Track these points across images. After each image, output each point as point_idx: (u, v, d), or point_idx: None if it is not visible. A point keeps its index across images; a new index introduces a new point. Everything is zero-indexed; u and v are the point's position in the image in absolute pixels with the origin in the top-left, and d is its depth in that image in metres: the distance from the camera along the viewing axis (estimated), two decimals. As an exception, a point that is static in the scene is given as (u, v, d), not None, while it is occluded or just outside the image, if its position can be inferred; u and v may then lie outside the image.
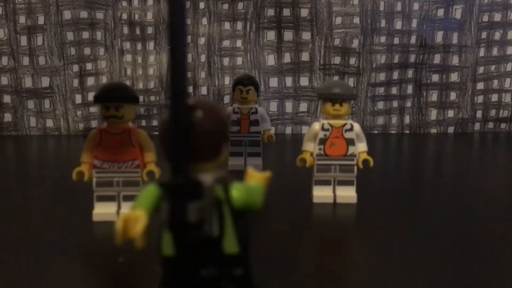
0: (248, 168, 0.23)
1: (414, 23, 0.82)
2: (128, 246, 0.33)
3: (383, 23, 0.82)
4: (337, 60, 0.83)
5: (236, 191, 0.21)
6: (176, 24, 0.19)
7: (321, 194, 0.43)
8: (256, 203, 0.22)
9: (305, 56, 0.83)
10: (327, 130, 0.42)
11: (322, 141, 0.42)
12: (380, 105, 0.85)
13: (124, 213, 0.20)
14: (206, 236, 0.20)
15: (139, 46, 0.81)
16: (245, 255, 0.22)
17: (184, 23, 0.19)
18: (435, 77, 0.85)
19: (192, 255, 0.21)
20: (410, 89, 0.85)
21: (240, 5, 0.81)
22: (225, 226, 0.21)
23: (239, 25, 0.81)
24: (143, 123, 0.83)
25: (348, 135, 0.42)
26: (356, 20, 0.82)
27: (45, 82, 0.81)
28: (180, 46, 0.19)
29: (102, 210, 0.37)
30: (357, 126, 0.42)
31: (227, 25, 0.81)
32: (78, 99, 0.82)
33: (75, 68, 0.81)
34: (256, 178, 0.22)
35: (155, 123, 0.83)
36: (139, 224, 0.19)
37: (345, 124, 0.42)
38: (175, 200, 0.20)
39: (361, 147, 0.42)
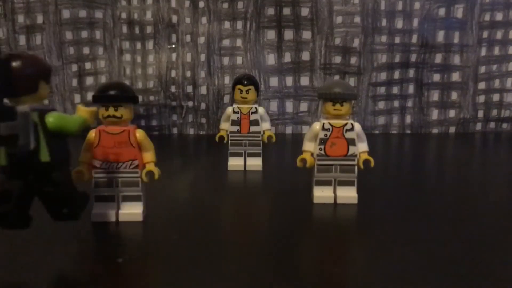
0: (78, 105, 0.31)
1: (415, 23, 0.82)
2: (128, 247, 0.33)
3: (384, 22, 0.82)
4: (337, 59, 0.82)
5: (50, 118, 0.28)
6: None
7: (321, 194, 0.42)
8: (70, 129, 0.29)
9: (305, 56, 0.82)
10: (327, 130, 0.41)
11: (323, 141, 0.41)
12: (381, 104, 0.84)
13: None
14: (22, 148, 0.27)
15: (138, 45, 0.81)
16: (64, 164, 0.30)
17: None
18: (436, 77, 0.84)
19: (17, 164, 0.28)
20: (411, 88, 0.84)
21: (240, 4, 0.81)
22: (40, 141, 0.28)
23: (239, 24, 0.81)
24: (142, 123, 0.83)
25: (349, 135, 0.41)
26: (357, 19, 0.81)
27: (44, 81, 0.81)
28: None
29: (101, 210, 0.37)
30: (358, 126, 0.42)
31: (227, 24, 0.81)
32: (77, 98, 0.82)
33: (74, 67, 0.81)
34: (81, 111, 0.31)
35: (154, 123, 0.83)
36: None
37: (345, 124, 0.41)
38: None
39: (362, 147, 0.42)
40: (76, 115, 0.30)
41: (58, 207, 0.30)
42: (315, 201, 0.42)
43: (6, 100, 0.35)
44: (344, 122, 0.41)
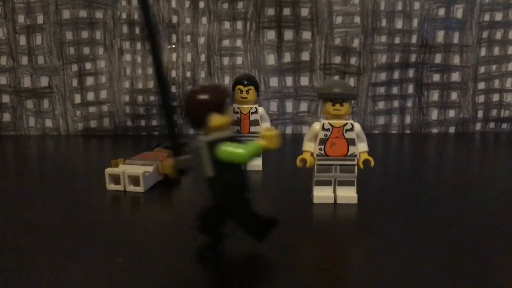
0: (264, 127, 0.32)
1: (415, 23, 0.82)
2: (128, 247, 0.33)
3: (383, 23, 0.82)
4: (337, 59, 0.82)
5: (220, 152, 0.29)
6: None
7: (321, 194, 0.42)
8: (239, 161, 0.30)
9: (305, 56, 0.82)
10: (327, 130, 0.41)
11: (323, 141, 0.41)
12: (381, 105, 0.85)
13: None
14: (203, 176, 0.30)
15: (138, 45, 0.81)
16: (245, 187, 0.31)
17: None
18: (436, 77, 0.84)
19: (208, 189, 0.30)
20: (411, 88, 0.84)
21: (240, 5, 0.81)
22: (216, 169, 0.29)
23: (239, 25, 0.81)
24: (143, 123, 0.83)
25: (348, 135, 0.41)
26: (357, 19, 0.81)
27: (44, 81, 0.81)
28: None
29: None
30: (357, 126, 0.42)
31: (227, 25, 0.81)
32: (77, 98, 0.82)
33: (74, 67, 0.81)
34: (265, 137, 0.30)
35: (154, 123, 0.83)
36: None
37: (345, 124, 0.41)
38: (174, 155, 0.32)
39: (362, 147, 0.42)
40: (251, 145, 0.30)
41: (254, 225, 0.32)
42: (315, 201, 0.42)
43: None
44: (344, 122, 0.41)
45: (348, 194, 0.42)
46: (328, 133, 0.41)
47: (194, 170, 0.30)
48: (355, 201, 0.42)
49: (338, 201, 0.42)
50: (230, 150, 0.29)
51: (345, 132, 0.41)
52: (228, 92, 0.32)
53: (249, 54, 0.82)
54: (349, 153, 0.42)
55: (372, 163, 0.42)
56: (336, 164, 0.42)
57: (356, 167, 0.42)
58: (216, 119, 0.30)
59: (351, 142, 0.41)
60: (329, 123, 0.41)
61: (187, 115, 0.31)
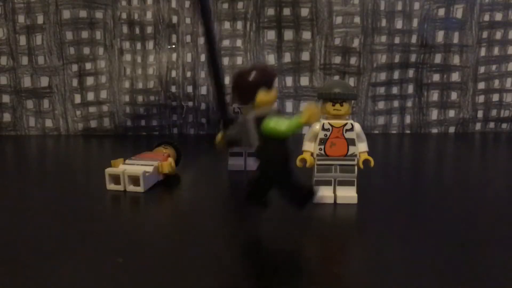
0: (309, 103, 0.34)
1: (415, 23, 0.82)
2: (128, 247, 0.33)
3: (383, 23, 0.82)
4: (337, 59, 0.82)
5: (264, 124, 0.32)
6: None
7: (321, 194, 0.42)
8: (282, 135, 0.32)
9: (305, 56, 0.82)
10: (327, 130, 0.41)
11: (323, 141, 0.41)
12: (381, 105, 0.85)
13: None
14: (249, 148, 0.34)
15: (138, 45, 0.81)
16: (286, 159, 0.34)
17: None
18: (436, 77, 0.84)
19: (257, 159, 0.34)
20: (411, 88, 0.84)
21: (240, 5, 0.81)
22: (262, 141, 0.33)
23: (239, 25, 0.81)
24: (143, 123, 0.83)
25: (348, 135, 0.41)
26: (357, 19, 0.82)
27: (44, 82, 0.81)
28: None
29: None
30: (357, 126, 0.42)
31: (227, 25, 0.81)
32: (77, 99, 0.82)
33: (74, 67, 0.81)
34: (307, 111, 0.31)
35: (155, 123, 0.83)
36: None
37: (345, 124, 0.41)
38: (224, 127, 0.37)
39: (362, 147, 0.42)
40: (293, 120, 0.32)
41: (294, 195, 0.35)
42: (315, 201, 0.42)
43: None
44: (344, 122, 0.41)
45: (348, 194, 0.42)
46: (328, 133, 0.41)
47: (242, 142, 0.34)
48: (355, 201, 0.42)
49: (338, 201, 0.42)
50: (273, 125, 0.32)
51: (345, 132, 0.41)
52: (275, 72, 0.35)
53: (249, 54, 0.82)
54: (349, 153, 0.42)
55: (372, 163, 0.42)
56: (336, 164, 0.42)
57: (356, 167, 0.42)
58: (263, 96, 0.33)
59: (351, 142, 0.41)
60: (329, 123, 0.41)
61: (237, 92, 0.34)
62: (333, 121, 0.41)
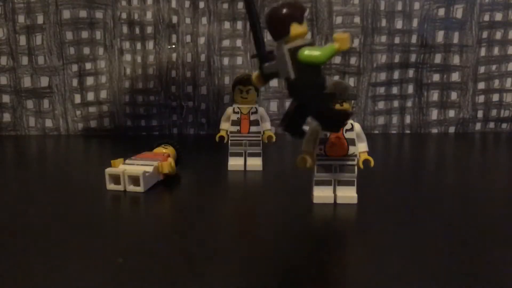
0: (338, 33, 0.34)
1: (415, 23, 0.82)
2: (128, 247, 0.33)
3: (383, 23, 0.82)
4: (337, 59, 0.82)
5: (300, 53, 0.35)
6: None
7: (321, 194, 0.42)
8: (319, 61, 0.35)
9: (305, 56, 0.82)
10: (327, 130, 0.41)
11: (323, 141, 0.41)
12: (381, 105, 0.85)
13: None
14: (287, 79, 0.36)
15: (138, 45, 0.81)
16: (321, 87, 0.36)
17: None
18: (436, 77, 0.84)
19: (291, 91, 0.36)
20: (411, 88, 0.84)
21: (240, 5, 0.81)
22: (298, 73, 0.35)
23: (239, 25, 0.81)
24: (143, 123, 0.83)
25: (348, 135, 0.41)
26: (357, 19, 0.81)
27: (44, 82, 0.81)
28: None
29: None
30: (357, 126, 0.42)
31: (227, 25, 0.81)
32: (77, 99, 0.82)
33: (74, 67, 0.81)
34: (337, 39, 0.34)
35: (155, 123, 0.83)
36: None
37: (345, 124, 0.41)
38: (261, 62, 0.38)
39: (362, 147, 0.42)
40: (327, 47, 0.34)
41: (329, 121, 0.37)
42: (315, 201, 0.42)
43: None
44: (344, 122, 0.41)
45: (348, 194, 0.42)
46: (328, 133, 0.41)
47: (280, 74, 0.36)
48: (355, 201, 0.42)
49: (338, 201, 0.42)
50: (308, 52, 0.34)
51: (345, 132, 0.41)
52: (304, 6, 0.37)
53: (249, 54, 0.82)
54: (349, 153, 0.42)
55: (372, 163, 0.42)
56: (336, 164, 0.42)
57: (356, 167, 0.42)
58: (296, 28, 0.35)
59: (351, 142, 0.42)
60: (329, 123, 0.41)
61: (272, 26, 0.37)
62: (333, 121, 0.41)
